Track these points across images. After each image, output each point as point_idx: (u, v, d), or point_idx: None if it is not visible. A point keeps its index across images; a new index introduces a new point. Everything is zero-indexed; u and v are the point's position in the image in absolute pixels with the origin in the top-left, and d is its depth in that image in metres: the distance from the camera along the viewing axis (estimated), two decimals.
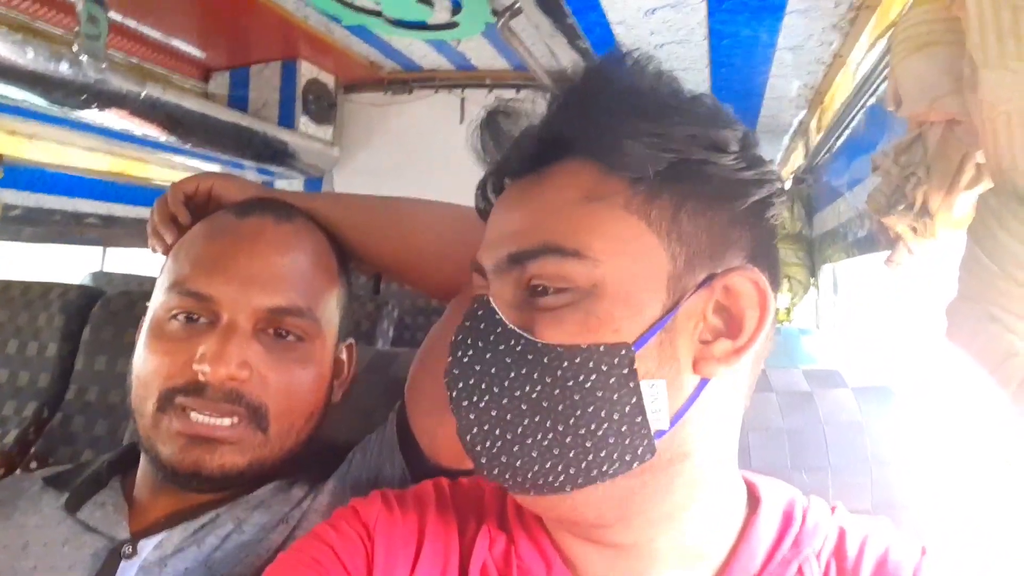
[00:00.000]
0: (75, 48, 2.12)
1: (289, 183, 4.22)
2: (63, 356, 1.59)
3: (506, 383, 0.50)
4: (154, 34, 2.93)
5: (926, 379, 0.86)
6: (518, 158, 0.56)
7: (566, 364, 0.48)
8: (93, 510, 0.73)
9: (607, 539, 0.53)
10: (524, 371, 0.49)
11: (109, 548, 0.69)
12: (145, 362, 0.71)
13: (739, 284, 0.52)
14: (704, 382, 0.51)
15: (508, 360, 0.50)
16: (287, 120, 3.55)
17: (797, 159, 3.04)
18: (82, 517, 0.72)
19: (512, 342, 0.50)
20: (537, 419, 0.49)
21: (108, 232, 3.07)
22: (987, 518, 0.76)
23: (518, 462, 0.50)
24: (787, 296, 2.89)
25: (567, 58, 2.49)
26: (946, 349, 0.59)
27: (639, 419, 0.49)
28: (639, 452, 0.49)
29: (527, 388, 0.49)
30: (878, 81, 1.66)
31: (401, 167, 3.98)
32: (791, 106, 2.77)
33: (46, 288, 1.77)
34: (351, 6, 2.74)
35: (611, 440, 0.48)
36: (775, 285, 0.55)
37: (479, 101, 3.88)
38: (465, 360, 0.51)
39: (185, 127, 2.79)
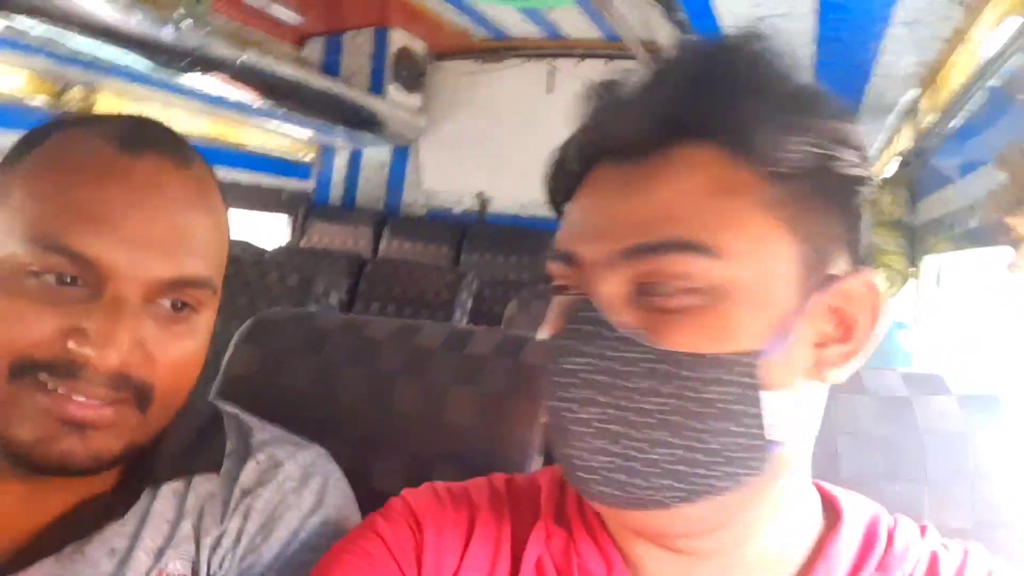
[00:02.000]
0: (178, 13, 2.19)
1: (377, 151, 4.29)
2: None
3: (616, 392, 0.46)
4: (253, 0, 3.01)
5: None
6: (629, 136, 0.50)
7: (687, 374, 0.45)
8: None
9: (688, 548, 0.51)
10: (638, 379, 0.46)
11: None
12: None
13: (854, 286, 0.49)
14: (815, 390, 0.49)
15: (621, 367, 0.46)
16: (377, 87, 3.59)
17: (903, 141, 2.86)
18: None
19: (624, 348, 0.46)
20: (649, 432, 0.46)
21: None
22: None
23: (623, 477, 0.46)
24: (886, 299, 2.75)
25: (663, 29, 2.42)
26: None
27: (758, 433, 0.45)
28: (753, 466, 0.46)
29: (640, 399, 0.46)
30: (1003, 61, 1.53)
31: (487, 137, 3.98)
32: (901, 84, 2.61)
33: None
34: None
35: (727, 455, 0.45)
36: None
37: (568, 71, 3.83)
38: (569, 367, 0.47)
39: (279, 92, 2.86)
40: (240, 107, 2.95)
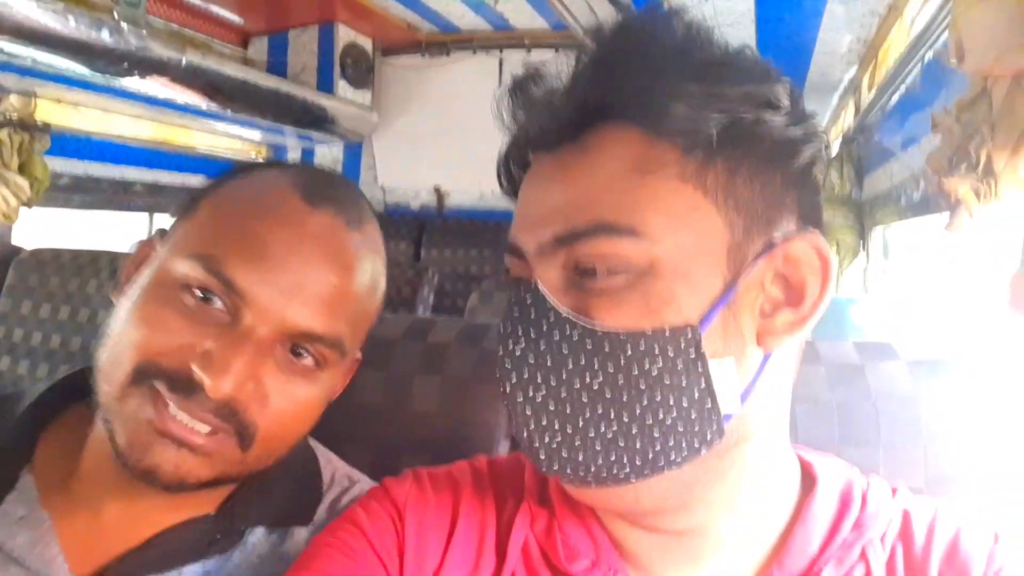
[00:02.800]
0: (115, 15, 2.13)
1: (329, 148, 4.24)
2: None
3: (564, 374, 0.47)
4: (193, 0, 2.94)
5: (983, 351, 0.83)
6: (551, 126, 0.51)
7: (629, 351, 0.46)
8: (11, 529, 0.58)
9: (663, 526, 0.52)
10: (583, 360, 0.46)
11: None
12: (132, 325, 0.58)
13: (799, 250, 0.49)
14: (767, 357, 0.49)
15: (565, 349, 0.47)
16: (326, 85, 3.55)
17: (847, 118, 2.93)
18: None
19: (567, 330, 0.47)
20: (600, 410, 0.46)
21: (154, 200, 3.13)
22: None
23: (580, 456, 0.47)
24: (835, 261, 2.81)
25: (608, 15, 2.43)
26: (1008, 319, 0.56)
27: (708, 403, 0.46)
28: (708, 437, 0.46)
29: (587, 378, 0.46)
30: (936, 34, 1.57)
31: (440, 131, 3.96)
32: (842, 62, 2.67)
33: (95, 256, 1.81)
34: None
35: (680, 427, 0.46)
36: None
37: (518, 62, 3.82)
38: (517, 352, 0.47)
39: (225, 93, 2.81)
40: (186, 110, 2.89)
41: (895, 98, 2.02)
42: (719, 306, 0.46)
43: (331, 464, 0.76)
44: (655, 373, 0.46)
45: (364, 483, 0.75)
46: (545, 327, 0.47)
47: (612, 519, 0.54)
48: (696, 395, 0.46)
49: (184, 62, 2.50)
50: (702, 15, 0.50)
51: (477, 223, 3.89)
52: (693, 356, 0.46)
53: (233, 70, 2.82)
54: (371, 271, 0.66)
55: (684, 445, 0.46)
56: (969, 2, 0.67)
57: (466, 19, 3.57)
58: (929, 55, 1.64)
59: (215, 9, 3.14)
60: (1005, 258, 0.57)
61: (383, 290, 0.69)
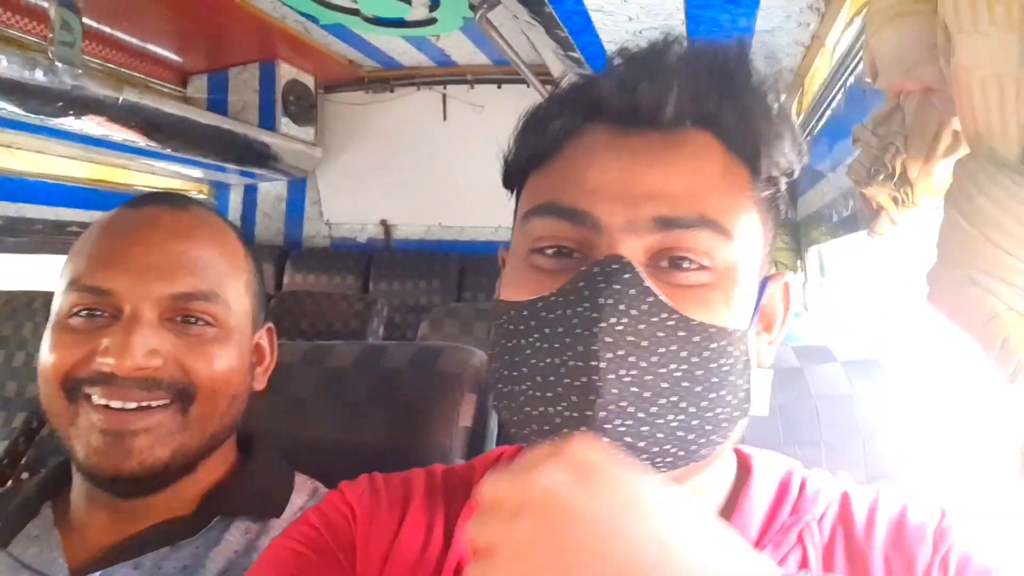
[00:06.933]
0: (50, 55, 2.10)
1: (272, 185, 4.21)
2: None
3: (654, 358, 0.46)
4: (130, 39, 2.92)
5: (912, 349, 0.87)
6: (659, 108, 0.49)
7: (713, 345, 0.47)
8: (27, 545, 0.70)
9: None
10: (673, 348, 0.46)
11: None
12: (46, 359, 0.68)
13: (778, 287, 0.55)
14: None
15: (660, 335, 0.46)
16: (268, 122, 3.53)
17: None
18: (15, 553, 0.69)
19: (664, 315, 0.46)
20: (674, 398, 0.47)
21: None
22: (975, 478, 0.77)
23: (642, 443, 0.46)
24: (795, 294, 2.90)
25: (547, 48, 2.49)
26: (928, 315, 0.59)
27: (743, 403, 0.49)
28: (726, 435, 0.49)
29: (672, 366, 0.46)
30: (856, 60, 1.66)
31: (385, 165, 3.97)
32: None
33: (30, 297, 1.76)
34: (328, 5, 2.73)
35: (717, 422, 0.48)
36: None
37: (461, 97, 3.88)
38: (619, 328, 0.45)
39: (164, 132, 2.77)
40: (124, 148, 2.84)
41: (822, 123, 2.11)
42: (754, 320, 0.51)
43: (300, 475, 0.82)
44: (726, 368, 0.48)
45: (325, 491, 0.80)
46: (645, 307, 0.46)
47: None
48: (738, 395, 0.49)
49: (121, 100, 2.46)
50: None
51: (425, 254, 3.90)
52: (746, 360, 0.49)
53: (172, 108, 2.79)
54: (210, 236, 0.74)
55: (712, 440, 0.48)
56: (881, 21, 0.73)
57: (408, 55, 3.61)
58: (851, 80, 1.74)
59: (153, 48, 3.11)
60: (926, 260, 0.60)
61: (243, 255, 0.78)
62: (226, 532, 0.72)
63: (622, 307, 0.45)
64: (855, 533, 0.51)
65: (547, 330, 0.48)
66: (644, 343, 0.46)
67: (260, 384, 0.80)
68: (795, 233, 2.87)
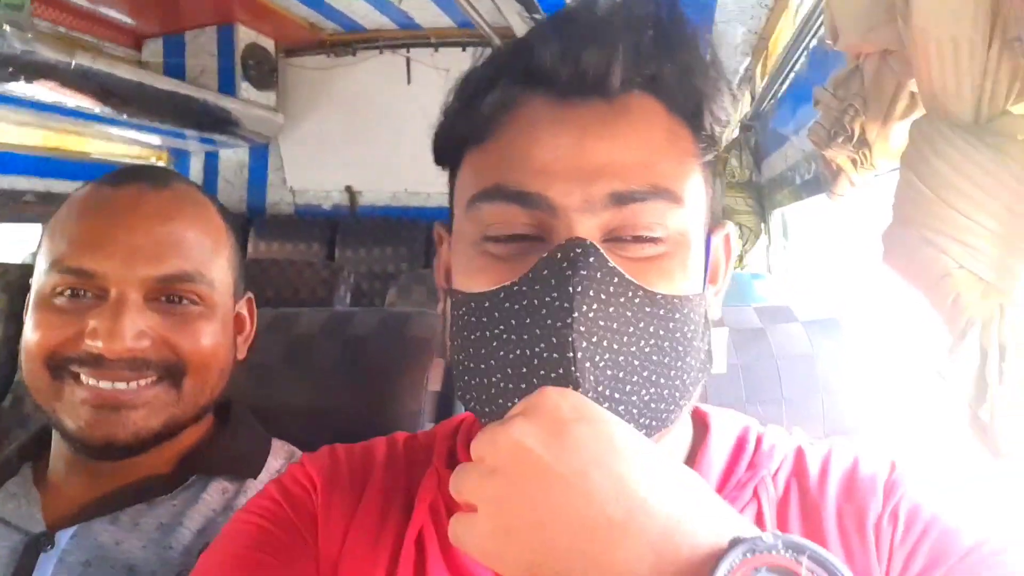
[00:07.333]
0: None
1: (234, 151, 4.12)
2: (8, 337, 1.54)
3: (625, 339, 0.45)
4: (80, 1, 2.81)
5: (870, 308, 0.89)
6: (601, 76, 0.47)
7: (677, 315, 0.47)
8: (5, 501, 0.71)
9: None
10: (642, 325, 0.46)
11: (25, 542, 0.67)
12: (33, 334, 0.69)
13: (720, 237, 0.55)
14: None
15: (628, 314, 0.46)
16: (227, 87, 3.45)
17: (743, 107, 3.06)
18: None
19: (631, 294, 0.46)
20: (646, 374, 0.46)
21: (47, 209, 2.96)
22: (928, 433, 0.79)
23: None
24: (739, 244, 2.94)
25: (512, 10, 2.46)
26: (884, 274, 0.61)
27: (705, 365, 0.50)
28: (690, 397, 0.50)
29: (642, 343, 0.46)
30: (818, 22, 1.67)
31: (349, 130, 3.91)
32: (736, 53, 2.78)
33: None
34: None
35: (690, 388, 0.49)
36: None
37: (426, 61, 3.82)
38: (591, 315, 0.44)
39: (120, 97, 2.69)
40: (78, 115, 2.75)
41: (786, 85, 2.12)
42: (706, 280, 0.51)
43: (277, 440, 0.84)
44: (690, 335, 0.48)
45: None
46: (612, 289, 0.45)
47: None
48: (700, 358, 0.50)
49: (73, 65, 2.38)
50: None
51: (391, 221, 3.87)
52: (703, 322, 0.50)
53: (126, 73, 2.71)
54: (192, 214, 0.75)
55: (683, 403, 0.49)
56: None
57: (370, 18, 3.54)
58: (813, 42, 1.75)
59: (104, 11, 3.00)
60: (881, 220, 0.62)
61: (224, 230, 0.78)
62: (204, 492, 0.74)
63: (591, 293, 0.44)
64: (809, 487, 0.52)
65: (513, 321, 0.46)
66: (615, 325, 0.45)
67: (241, 353, 0.82)
68: (759, 196, 2.91)
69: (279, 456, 0.80)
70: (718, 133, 0.51)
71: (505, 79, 0.50)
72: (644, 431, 0.47)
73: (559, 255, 0.45)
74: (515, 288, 0.46)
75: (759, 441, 0.56)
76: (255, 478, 0.76)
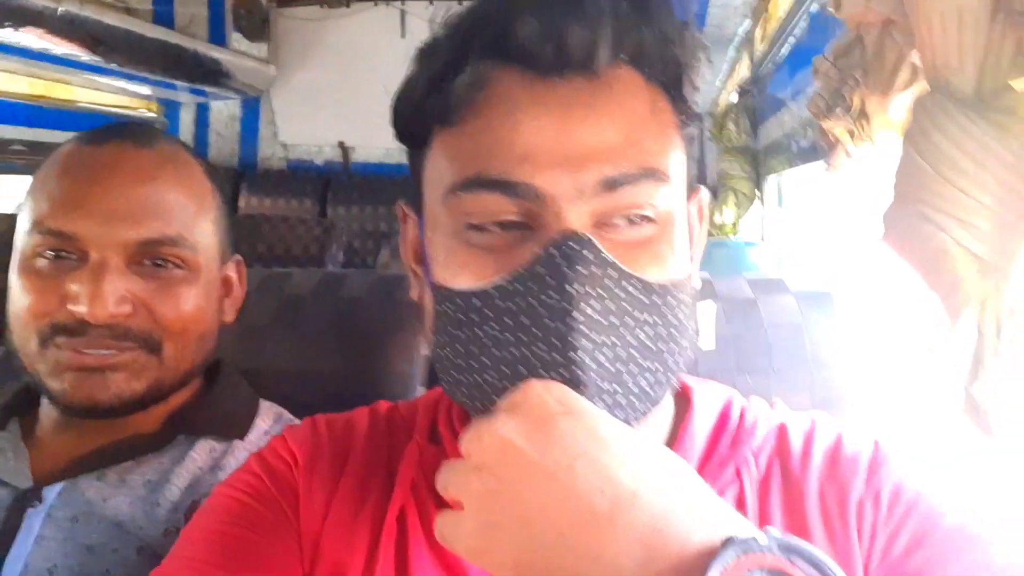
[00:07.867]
0: None
1: (225, 104, 4.06)
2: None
3: (623, 331, 0.44)
4: None
5: (864, 282, 0.89)
6: (579, 56, 0.45)
7: (671, 299, 0.46)
8: None
9: None
10: (638, 314, 0.45)
11: (13, 497, 0.67)
12: (19, 300, 0.69)
13: (695, 205, 0.54)
14: None
15: (626, 306, 0.44)
16: (218, 37, 3.38)
17: (742, 70, 3.03)
18: None
19: (627, 285, 0.44)
20: (644, 362, 0.46)
21: (36, 159, 2.92)
22: (916, 408, 0.80)
23: (619, 412, 0.45)
24: (733, 210, 2.94)
25: None
26: (882, 253, 0.61)
27: (694, 345, 0.49)
28: (679, 376, 0.50)
29: (639, 332, 0.45)
30: None
31: (342, 85, 3.85)
32: (736, 15, 2.74)
33: None
34: None
35: (680, 366, 0.49)
36: None
37: (420, 14, 3.75)
38: (591, 312, 0.43)
39: (108, 45, 2.63)
40: (65, 63, 2.69)
41: (785, 49, 2.10)
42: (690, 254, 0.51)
43: (265, 401, 0.84)
44: (682, 317, 0.48)
45: (290, 417, 0.82)
46: (610, 283, 0.44)
47: None
48: (690, 338, 0.49)
49: (60, 11, 2.32)
50: None
51: (384, 179, 3.83)
52: (690, 302, 0.49)
53: (115, 20, 2.64)
54: (176, 176, 0.73)
55: (673, 380, 0.49)
56: None
57: None
58: (815, 7, 1.72)
59: None
60: (881, 197, 0.61)
61: (210, 191, 0.77)
62: (191, 450, 0.74)
63: (590, 291, 0.43)
64: (791, 466, 0.51)
65: (507, 319, 0.45)
66: (613, 319, 0.44)
67: (229, 316, 0.80)
68: (754, 162, 2.89)
69: (267, 418, 0.80)
70: (695, 102, 0.50)
71: (476, 54, 0.47)
72: (638, 413, 0.46)
73: (555, 252, 0.43)
74: (509, 287, 0.45)
75: (742, 415, 0.55)
76: (242, 439, 0.76)
